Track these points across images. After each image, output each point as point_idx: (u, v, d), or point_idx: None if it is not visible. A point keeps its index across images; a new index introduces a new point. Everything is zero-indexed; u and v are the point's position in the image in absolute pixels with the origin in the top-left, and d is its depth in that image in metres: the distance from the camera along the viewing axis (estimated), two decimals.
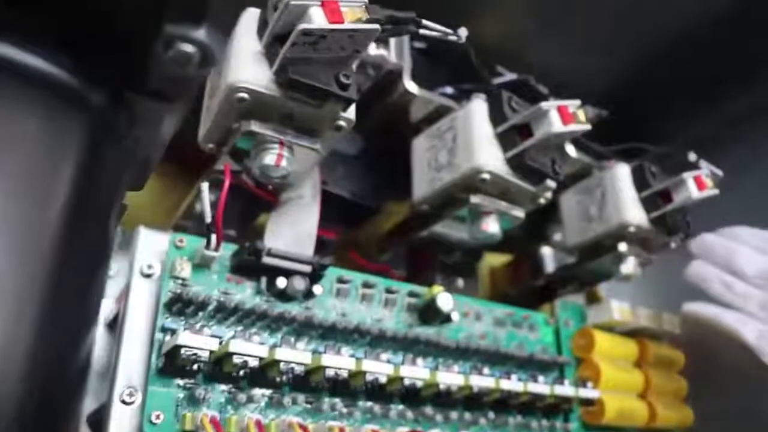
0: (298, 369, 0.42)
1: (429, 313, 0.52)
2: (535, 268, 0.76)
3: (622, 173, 0.62)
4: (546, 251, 0.77)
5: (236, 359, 0.40)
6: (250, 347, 0.40)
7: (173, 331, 0.41)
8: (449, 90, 0.59)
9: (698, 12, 0.66)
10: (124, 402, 0.39)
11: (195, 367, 0.40)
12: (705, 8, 0.66)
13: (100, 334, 0.45)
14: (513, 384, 0.51)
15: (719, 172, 0.62)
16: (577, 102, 0.50)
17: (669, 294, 0.81)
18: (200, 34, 0.23)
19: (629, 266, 0.63)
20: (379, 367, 0.44)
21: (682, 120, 0.81)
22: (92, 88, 0.24)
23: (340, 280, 0.49)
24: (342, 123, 0.42)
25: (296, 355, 0.41)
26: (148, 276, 0.43)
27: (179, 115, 0.29)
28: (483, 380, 0.49)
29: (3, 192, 0.24)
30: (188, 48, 0.23)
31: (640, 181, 0.62)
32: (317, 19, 0.37)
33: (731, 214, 0.78)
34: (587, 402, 0.58)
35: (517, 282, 0.75)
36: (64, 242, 0.27)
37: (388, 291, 0.51)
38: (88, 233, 0.26)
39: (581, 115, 0.49)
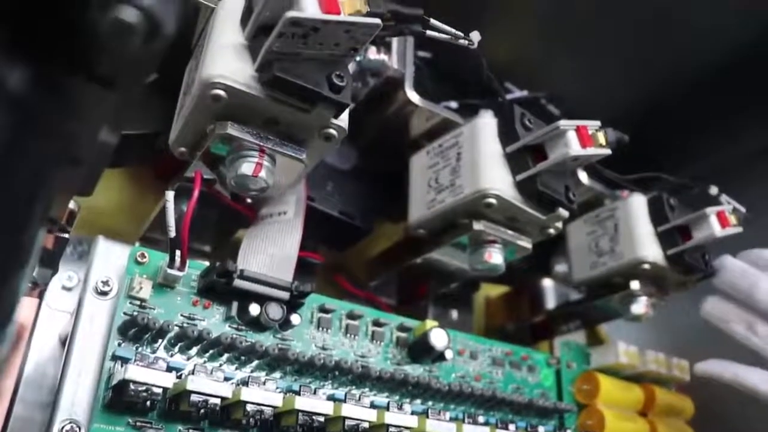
0: (268, 411, 0.37)
1: (420, 350, 0.47)
2: (534, 301, 0.71)
3: (638, 204, 0.58)
4: (547, 284, 0.72)
5: (195, 398, 0.35)
6: (212, 385, 0.35)
7: (125, 361, 0.36)
8: (453, 105, 0.55)
9: (720, 41, 0.63)
10: None
11: (147, 404, 0.35)
12: (728, 38, 0.62)
13: (53, 350, 0.41)
14: None
15: (742, 209, 0.58)
16: (597, 123, 0.45)
17: (678, 336, 0.77)
18: None
19: (640, 306, 0.58)
20: (361, 413, 0.39)
21: (700, 151, 0.76)
22: (8, 66, 0.19)
23: (322, 310, 0.44)
24: (332, 131, 0.37)
25: (265, 396, 0.37)
26: (104, 293, 0.38)
27: (131, 109, 0.24)
28: (478, 430, 0.44)
29: None
30: (130, 15, 0.17)
31: (657, 214, 0.57)
32: (309, 8, 0.31)
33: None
34: None
35: (515, 316, 0.71)
36: None
37: (376, 323, 0.47)
38: None
39: (601, 137, 0.45)
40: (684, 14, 0.59)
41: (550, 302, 0.71)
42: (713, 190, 0.58)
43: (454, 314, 0.62)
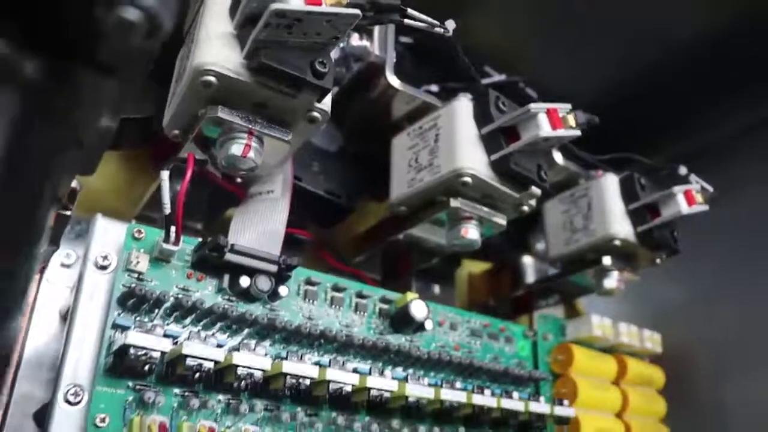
0: (257, 375, 0.40)
1: (401, 321, 0.49)
2: (515, 277, 0.74)
3: (610, 184, 0.60)
4: (527, 261, 0.75)
5: (190, 362, 0.38)
6: (206, 350, 0.38)
7: (125, 329, 0.38)
8: (434, 88, 0.57)
9: (697, 27, 0.65)
10: (68, 402, 0.37)
11: (146, 368, 0.38)
12: (703, 24, 0.64)
13: (53, 325, 0.43)
14: (486, 399, 0.49)
15: (710, 188, 0.60)
16: (568, 106, 0.47)
17: (651, 311, 0.80)
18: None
19: (612, 281, 0.61)
20: (345, 377, 0.42)
21: (674, 134, 0.79)
22: (25, 56, 0.21)
23: (309, 282, 0.47)
24: (316, 114, 0.39)
25: (255, 360, 0.39)
26: (103, 268, 0.41)
27: (129, 95, 0.26)
28: (455, 394, 0.47)
29: None
30: (133, 14, 0.20)
31: (628, 193, 0.60)
32: (293, 0, 0.34)
33: (719, 233, 0.76)
34: (562, 420, 0.55)
35: (496, 291, 0.73)
36: None
37: (359, 296, 0.49)
38: (10, 215, 0.23)
39: (571, 119, 0.47)
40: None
41: (530, 278, 0.73)
42: (682, 170, 0.61)
43: (436, 289, 0.64)
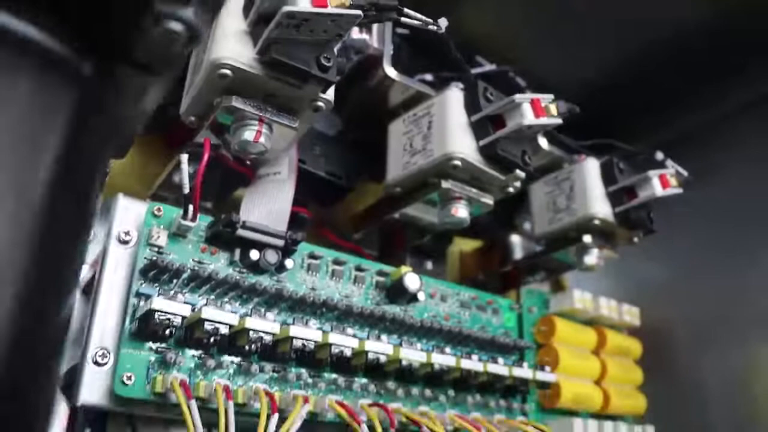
0: (267, 338, 0.43)
1: (396, 292, 0.54)
2: (503, 255, 0.78)
3: (591, 167, 0.65)
4: (515, 239, 0.79)
5: (208, 326, 0.41)
6: (222, 315, 0.42)
7: (147, 297, 0.42)
8: (428, 77, 0.61)
9: (678, 18, 0.67)
10: (96, 363, 0.41)
11: (167, 332, 0.42)
12: (685, 15, 0.67)
13: (76, 302, 0.45)
14: (473, 363, 0.53)
15: (684, 172, 0.65)
16: (550, 96, 0.51)
17: (631, 288, 0.84)
18: (188, 13, 0.24)
19: (592, 257, 0.65)
20: (345, 341, 0.46)
21: (655, 121, 0.83)
22: (83, 58, 0.25)
23: (312, 256, 0.51)
24: (320, 104, 0.43)
25: (265, 324, 0.43)
26: (125, 243, 0.44)
27: (162, 90, 0.30)
28: (444, 358, 0.51)
29: None
30: (176, 26, 0.24)
31: (608, 177, 0.64)
32: (302, 3, 0.38)
33: (697, 215, 0.81)
34: (544, 385, 0.60)
35: (486, 268, 0.77)
36: (48, 208, 0.28)
37: (358, 269, 0.53)
38: (71, 200, 0.27)
39: (553, 109, 0.51)
40: None
41: (517, 255, 0.78)
42: (659, 155, 0.66)
43: (429, 265, 0.69)
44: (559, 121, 0.51)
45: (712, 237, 0.82)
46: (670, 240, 0.79)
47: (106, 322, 0.42)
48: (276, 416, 0.41)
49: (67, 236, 0.28)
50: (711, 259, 0.81)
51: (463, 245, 0.81)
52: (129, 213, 0.45)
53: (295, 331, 0.44)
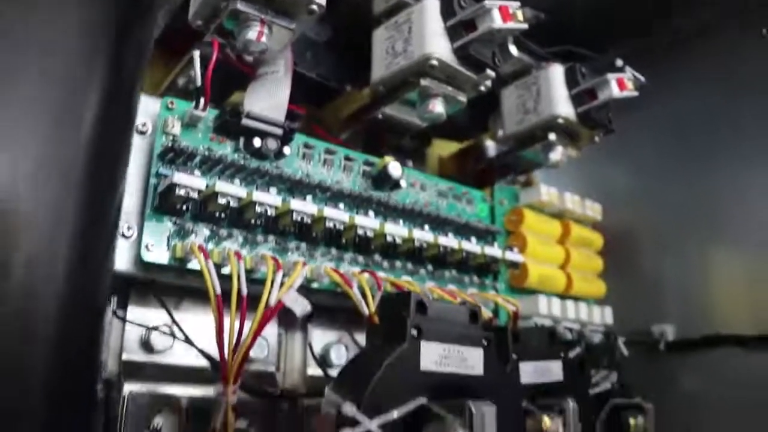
0: (270, 211, 0.50)
1: (381, 179, 0.61)
2: (479, 157, 0.84)
3: (555, 72, 0.71)
4: (489, 144, 0.85)
5: (221, 199, 0.48)
6: (233, 188, 0.48)
7: (166, 176, 0.48)
8: None
9: None
10: (123, 235, 0.48)
11: (184, 207, 0.49)
12: None
13: None
14: (449, 240, 0.61)
15: (641, 78, 0.71)
16: (517, 3, 0.57)
17: (597, 188, 0.91)
18: None
19: (557, 154, 0.72)
20: (338, 215, 0.53)
21: (623, 33, 0.87)
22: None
23: (306, 146, 0.58)
24: (314, 7, 0.49)
25: (269, 198, 0.50)
26: (143, 133, 0.51)
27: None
28: (424, 234, 0.59)
29: (43, 80, 0.30)
30: None
31: (570, 80, 0.71)
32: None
33: (657, 128, 0.88)
34: (513, 264, 0.67)
35: (462, 168, 0.84)
36: (99, 124, 0.34)
37: (347, 158, 0.60)
38: (118, 114, 0.33)
39: (520, 15, 0.57)
40: None
41: (491, 155, 0.85)
42: (618, 62, 0.71)
43: (410, 164, 0.76)
44: (525, 26, 0.57)
45: (673, 148, 0.89)
46: (633, 147, 0.87)
47: (130, 201, 0.48)
48: (281, 272, 0.46)
49: (113, 161, 0.35)
50: (671, 167, 0.89)
51: (442, 150, 0.87)
52: (144, 108, 0.51)
53: (295, 204, 0.51)
